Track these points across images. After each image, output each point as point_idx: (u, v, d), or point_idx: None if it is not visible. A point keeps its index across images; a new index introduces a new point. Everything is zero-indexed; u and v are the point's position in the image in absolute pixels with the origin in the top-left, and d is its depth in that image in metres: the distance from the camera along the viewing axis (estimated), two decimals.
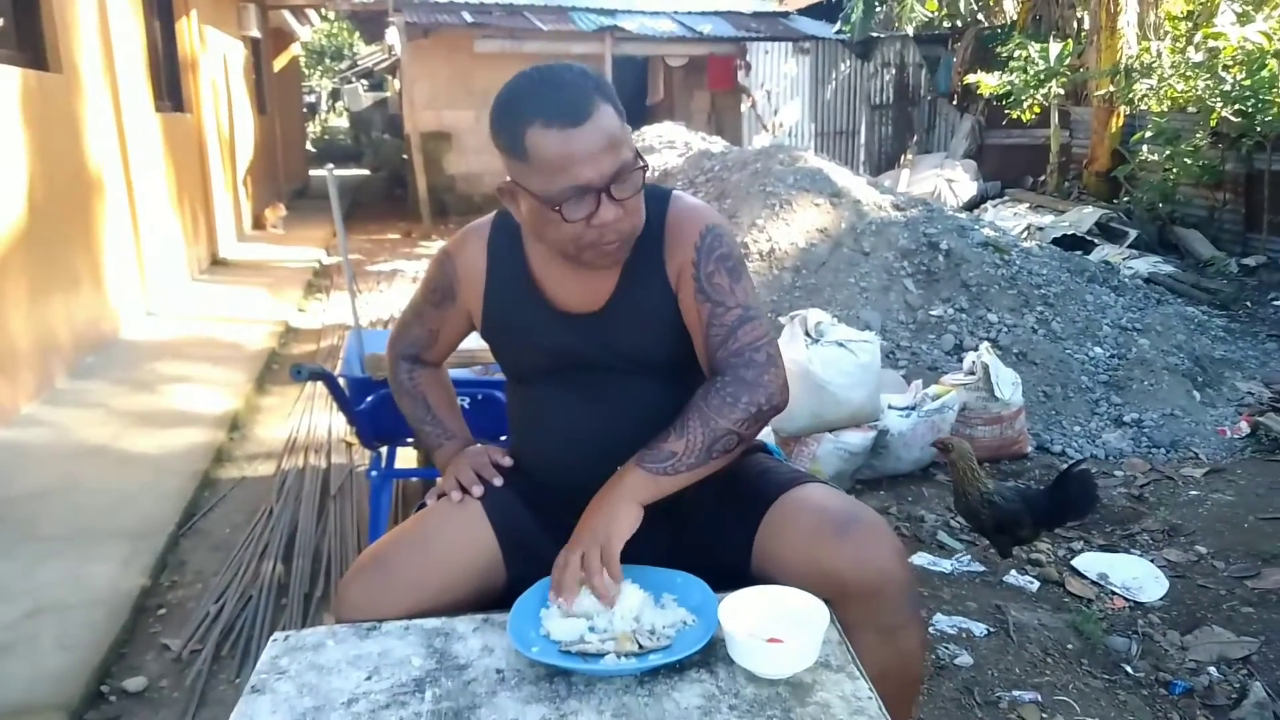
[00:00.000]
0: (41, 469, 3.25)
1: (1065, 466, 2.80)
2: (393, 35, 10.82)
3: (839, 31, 11.90)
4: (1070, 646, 2.30)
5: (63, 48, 4.56)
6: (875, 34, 12.14)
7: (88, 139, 4.84)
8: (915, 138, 12.56)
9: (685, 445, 1.27)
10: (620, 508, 1.26)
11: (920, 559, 2.74)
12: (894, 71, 12.44)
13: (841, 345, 3.25)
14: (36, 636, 2.23)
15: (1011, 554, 2.69)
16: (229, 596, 2.54)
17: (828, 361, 3.18)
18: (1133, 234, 7.41)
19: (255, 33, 10.12)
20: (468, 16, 11.01)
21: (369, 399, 2.29)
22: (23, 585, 2.46)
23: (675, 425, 1.29)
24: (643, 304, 1.37)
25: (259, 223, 9.94)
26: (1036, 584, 2.62)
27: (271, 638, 1.26)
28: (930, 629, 2.33)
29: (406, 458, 2.89)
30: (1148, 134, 7.78)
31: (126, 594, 2.48)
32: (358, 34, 20.09)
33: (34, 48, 4.40)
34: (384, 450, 2.53)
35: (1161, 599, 2.55)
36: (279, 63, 13.19)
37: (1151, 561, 2.74)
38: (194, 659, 2.27)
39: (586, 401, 1.40)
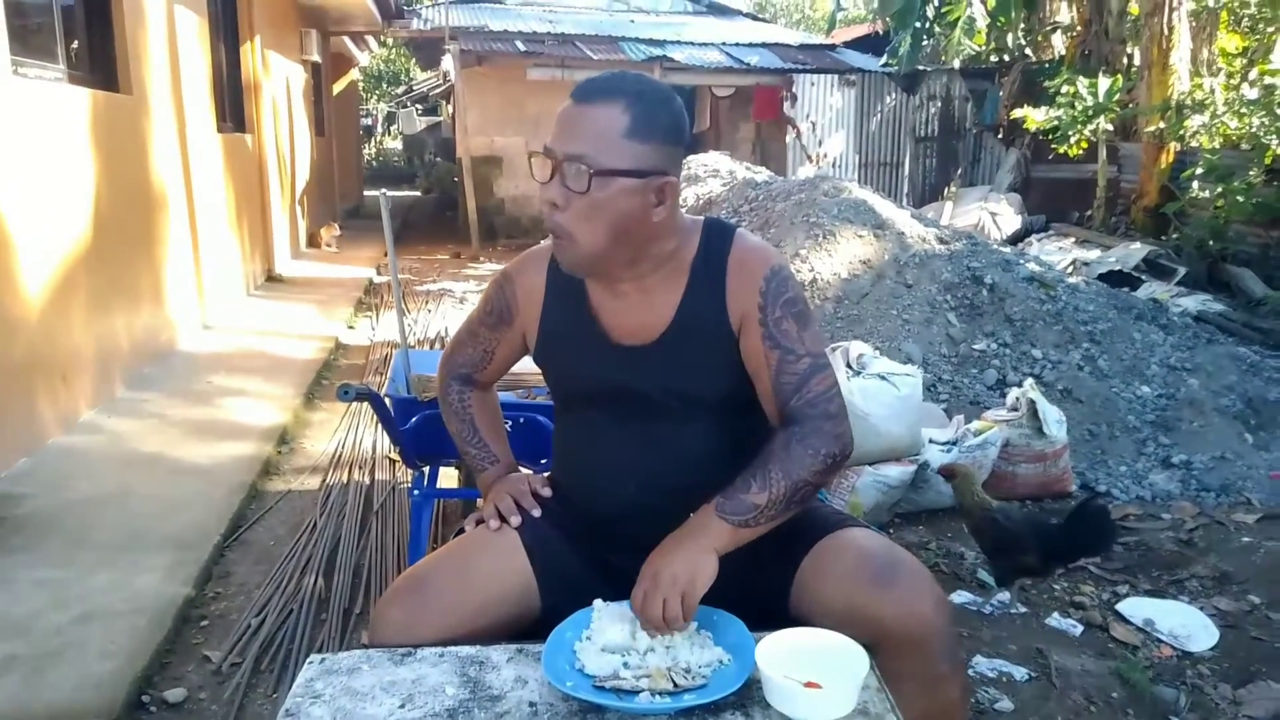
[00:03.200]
0: (97, 476, 3.34)
1: (1082, 499, 2.73)
2: (448, 62, 11.04)
3: (885, 64, 11.91)
4: (1115, 695, 2.25)
5: (133, 70, 4.74)
6: (921, 67, 12.12)
7: (153, 157, 5.01)
8: (960, 170, 12.48)
9: (768, 498, 1.27)
10: (703, 558, 1.25)
11: (959, 597, 2.70)
12: (939, 104, 12.40)
13: (883, 378, 3.24)
14: (84, 642, 2.28)
15: (1010, 584, 2.61)
16: (270, 609, 2.59)
17: (869, 394, 3.16)
18: (1181, 271, 7.27)
19: (316, 57, 10.41)
20: (521, 45, 11.22)
21: (414, 419, 2.33)
22: (75, 591, 2.53)
23: (755, 476, 1.28)
24: (698, 339, 1.38)
25: (314, 241, 10.17)
26: (1080, 628, 2.57)
27: (308, 660, 1.27)
28: (969, 671, 2.29)
29: (448, 477, 2.93)
30: (1199, 170, 7.65)
31: (171, 603, 2.53)
32: (414, 60, 20.53)
33: (105, 70, 4.58)
34: (426, 470, 2.57)
35: (1212, 649, 2.48)
36: (338, 86, 13.55)
37: (1201, 609, 2.66)
38: (233, 671, 2.31)
39: (630, 434, 1.41)
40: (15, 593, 2.51)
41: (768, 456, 1.30)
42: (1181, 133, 8.28)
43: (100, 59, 4.57)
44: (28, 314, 3.51)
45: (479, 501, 2.85)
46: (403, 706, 1.16)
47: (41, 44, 4.00)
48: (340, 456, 3.85)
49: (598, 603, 1.30)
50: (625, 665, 1.20)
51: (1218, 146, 7.85)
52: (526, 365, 1.64)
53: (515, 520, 1.45)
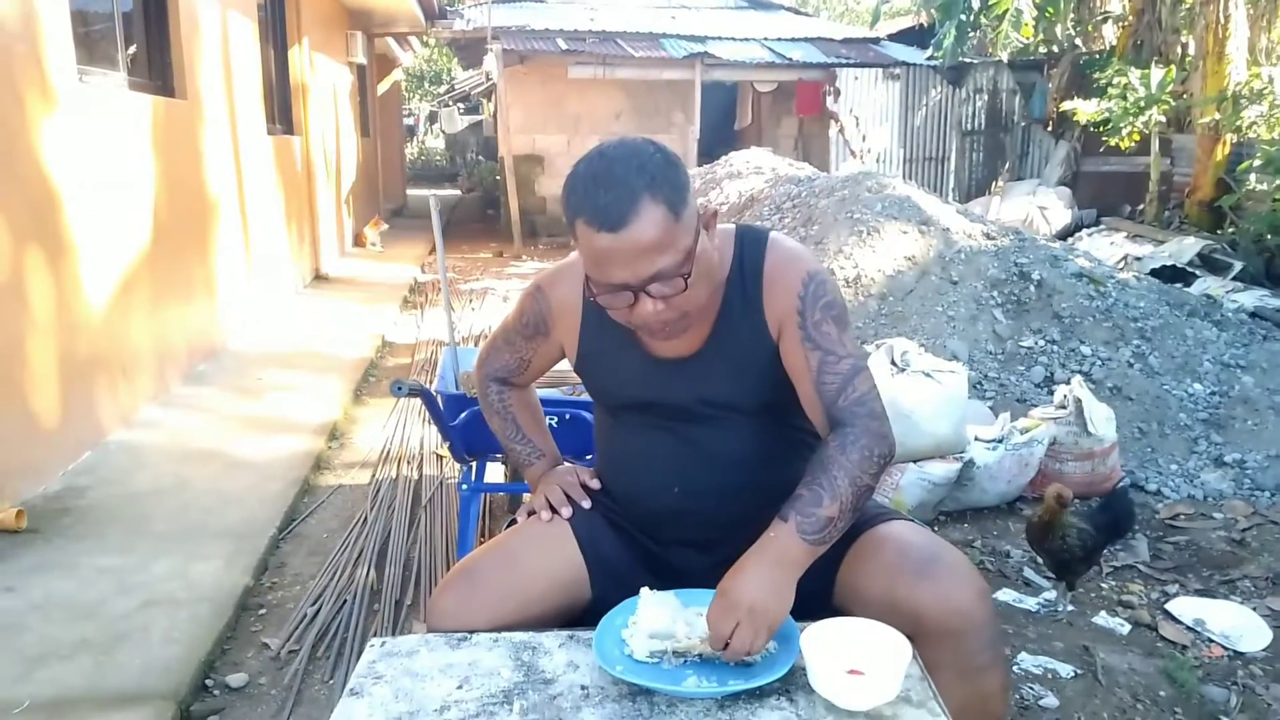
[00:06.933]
0: (156, 469, 3.46)
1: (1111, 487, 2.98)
2: (490, 61, 11.15)
3: (930, 57, 11.75)
4: (1163, 693, 2.23)
5: (189, 76, 4.88)
6: (967, 60, 11.94)
7: (207, 160, 5.15)
8: (1007, 164, 12.29)
9: (839, 508, 1.24)
10: (788, 593, 1.22)
11: (1005, 595, 2.69)
12: (986, 97, 12.23)
13: (928, 375, 3.23)
14: (149, 628, 2.38)
15: (1076, 585, 2.68)
16: (325, 599, 2.66)
17: (913, 391, 3.16)
18: (1237, 266, 7.10)
19: (361, 59, 10.57)
20: (562, 44, 11.29)
21: (462, 415, 2.38)
22: (138, 579, 2.63)
23: (824, 486, 1.24)
24: (737, 350, 1.39)
25: (359, 240, 10.35)
26: (1127, 627, 2.55)
27: (369, 643, 1.32)
28: (1014, 668, 2.29)
29: (495, 472, 2.99)
30: (1256, 162, 7.46)
31: (230, 592, 2.62)
32: (456, 60, 20.73)
33: (163, 76, 4.73)
34: (474, 464, 2.62)
35: (1264, 650, 2.44)
36: (382, 87, 13.75)
37: (1254, 610, 2.63)
38: (291, 658, 2.39)
39: (672, 439, 1.43)
40: (83, 579, 2.62)
41: (828, 463, 1.26)
42: (1238, 124, 8.07)
43: (158, 65, 4.71)
44: (91, 313, 3.64)
45: (526, 496, 2.90)
46: (460, 687, 1.20)
47: (103, 52, 4.14)
48: (389, 452, 3.93)
49: (644, 591, 1.32)
50: (674, 641, 1.24)
51: (1277, 137, 7.64)
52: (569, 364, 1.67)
53: (566, 511, 1.49)
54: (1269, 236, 7.26)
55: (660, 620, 1.28)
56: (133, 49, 4.48)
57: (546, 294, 1.51)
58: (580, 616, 1.43)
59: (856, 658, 1.15)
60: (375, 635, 2.47)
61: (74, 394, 3.46)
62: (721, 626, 1.18)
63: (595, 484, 1.56)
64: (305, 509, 3.34)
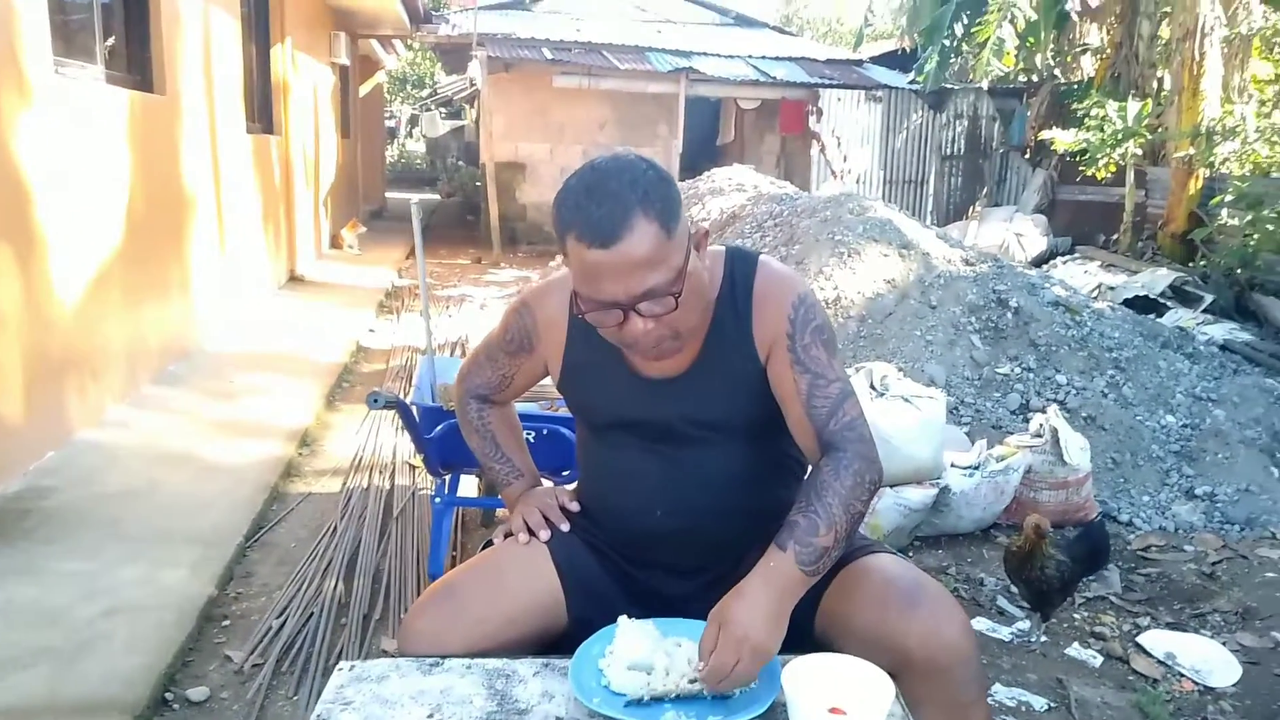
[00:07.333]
0: (125, 471, 3.38)
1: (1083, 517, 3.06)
2: (475, 68, 11.10)
3: (912, 82, 11.88)
4: None
5: (168, 71, 4.80)
6: (949, 85, 12.08)
7: (184, 158, 5.07)
8: (985, 190, 12.43)
9: (834, 538, 1.22)
10: (783, 621, 1.19)
11: (979, 624, 2.69)
12: (966, 123, 12.37)
13: (906, 400, 3.23)
14: (111, 636, 2.31)
15: (1051, 616, 2.69)
16: (291, 611, 2.61)
17: (891, 416, 3.16)
18: (1208, 298, 7.21)
19: (344, 60, 10.49)
20: (548, 53, 11.28)
21: (439, 428, 2.34)
22: (104, 584, 2.56)
23: (819, 514, 1.22)
24: (724, 371, 1.38)
25: (335, 241, 10.25)
26: (1100, 659, 2.55)
27: (337, 666, 1.28)
28: (987, 699, 2.28)
29: (468, 486, 2.95)
30: (1228, 197, 7.60)
31: (194, 601, 2.56)
32: (439, 64, 20.65)
33: (142, 71, 4.65)
34: (448, 478, 2.58)
35: (1234, 685, 2.46)
36: (364, 89, 13.64)
37: (1224, 644, 2.64)
38: (255, 672, 2.33)
39: (657, 460, 1.42)
40: (46, 584, 2.54)
41: (822, 489, 1.24)
42: (1211, 159, 8.22)
43: (137, 60, 4.63)
44: (61, 309, 3.56)
45: (499, 512, 2.87)
46: (431, 716, 1.17)
47: (81, 44, 4.06)
48: (360, 460, 3.87)
49: (622, 619, 1.30)
50: (650, 688, 1.21)
51: (1248, 174, 7.79)
52: (549, 378, 1.65)
53: (544, 534, 1.46)
54: (1239, 270, 7.39)
55: (639, 650, 1.25)
56: (111, 41, 4.41)
57: (532, 309, 1.49)
58: (556, 641, 1.40)
59: (838, 695, 1.13)
60: (342, 651, 2.43)
61: (40, 392, 3.37)
62: (725, 660, 1.14)
63: (574, 506, 1.53)
64: (274, 516, 3.28)
